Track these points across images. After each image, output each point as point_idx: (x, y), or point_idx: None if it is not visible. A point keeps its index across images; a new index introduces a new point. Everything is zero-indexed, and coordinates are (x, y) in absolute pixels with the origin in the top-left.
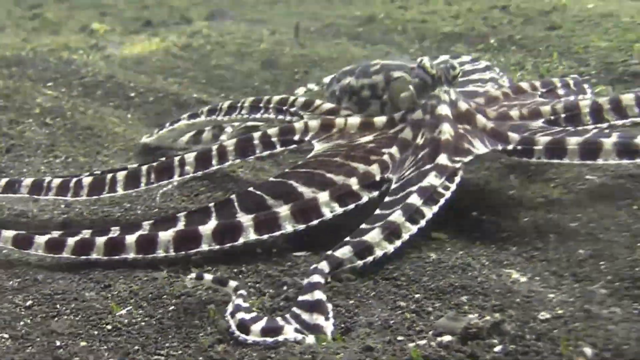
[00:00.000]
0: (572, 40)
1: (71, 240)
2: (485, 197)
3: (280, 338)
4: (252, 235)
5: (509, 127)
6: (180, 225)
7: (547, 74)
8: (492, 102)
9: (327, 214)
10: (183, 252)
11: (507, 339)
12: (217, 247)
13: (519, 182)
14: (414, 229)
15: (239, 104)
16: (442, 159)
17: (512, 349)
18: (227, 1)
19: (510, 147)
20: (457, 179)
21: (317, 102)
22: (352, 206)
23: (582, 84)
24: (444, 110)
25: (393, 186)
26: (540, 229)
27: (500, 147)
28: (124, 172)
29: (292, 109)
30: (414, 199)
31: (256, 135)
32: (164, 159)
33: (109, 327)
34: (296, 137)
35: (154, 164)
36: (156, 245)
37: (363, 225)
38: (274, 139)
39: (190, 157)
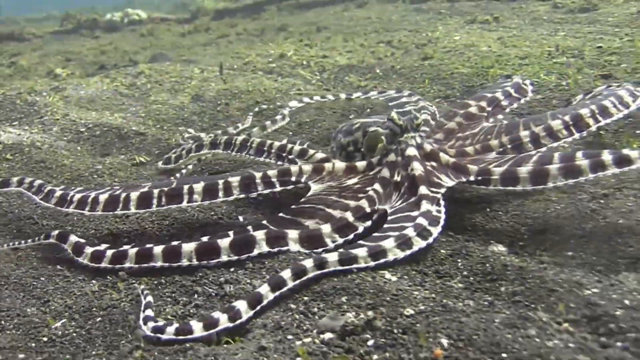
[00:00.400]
0: (441, 67)
1: (109, 252)
2: None
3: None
4: (264, 248)
5: (468, 160)
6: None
7: (422, 97)
8: (450, 134)
9: (330, 243)
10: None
11: (378, 333)
12: (235, 257)
13: None
14: (423, 243)
15: (248, 144)
16: (423, 189)
17: (382, 343)
18: (168, 45)
19: (471, 178)
20: (443, 204)
21: (311, 151)
22: (351, 236)
23: (521, 86)
24: (412, 151)
25: (390, 216)
26: None
27: (463, 179)
28: (137, 193)
29: (290, 156)
30: (421, 221)
31: (257, 175)
32: (174, 186)
33: (45, 339)
34: (293, 179)
35: (165, 189)
36: (180, 256)
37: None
38: (273, 180)
39: (198, 187)
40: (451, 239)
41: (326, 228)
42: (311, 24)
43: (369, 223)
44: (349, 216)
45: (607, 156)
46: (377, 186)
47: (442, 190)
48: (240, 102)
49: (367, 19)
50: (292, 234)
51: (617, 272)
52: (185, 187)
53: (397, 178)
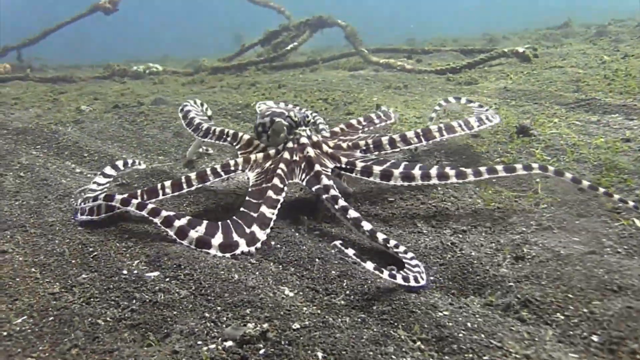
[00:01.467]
0: None
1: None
2: (279, 231)
3: None
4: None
5: (341, 153)
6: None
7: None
8: (334, 135)
9: (272, 216)
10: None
11: (269, 344)
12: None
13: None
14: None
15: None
16: (317, 167)
17: (270, 352)
18: (170, 91)
19: (342, 165)
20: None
21: (240, 134)
22: (278, 207)
23: (388, 112)
24: (304, 140)
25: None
26: (312, 254)
27: (337, 165)
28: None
29: (228, 139)
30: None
31: (208, 170)
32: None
33: (5, 333)
34: (232, 169)
35: (146, 188)
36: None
37: None
38: (219, 171)
39: (167, 183)
40: (342, 261)
41: (264, 208)
42: (275, 82)
43: (283, 195)
44: (272, 194)
45: (433, 171)
46: (282, 165)
47: (329, 171)
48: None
49: (315, 81)
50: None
51: (466, 296)
52: (158, 185)
53: (295, 158)
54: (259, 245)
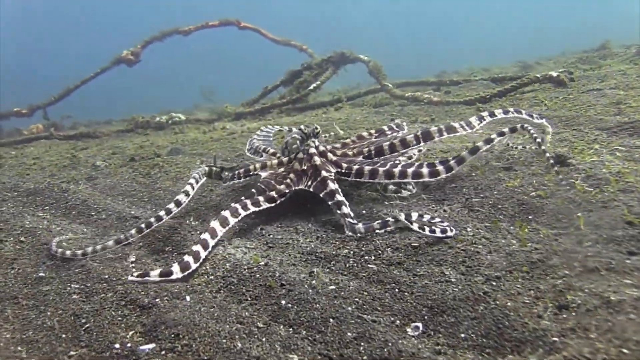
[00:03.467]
0: None
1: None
2: (290, 288)
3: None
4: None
5: (344, 160)
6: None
7: None
8: (344, 146)
9: (264, 205)
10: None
11: None
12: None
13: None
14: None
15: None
16: (324, 173)
17: None
18: (189, 140)
19: (343, 170)
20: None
21: (270, 150)
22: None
23: (400, 124)
24: (312, 150)
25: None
26: (326, 314)
27: (339, 170)
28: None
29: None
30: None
31: (241, 171)
32: None
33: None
34: (251, 173)
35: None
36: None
37: None
38: (241, 173)
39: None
40: (359, 320)
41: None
42: (297, 123)
43: (283, 199)
44: (273, 194)
45: (424, 169)
46: (291, 175)
47: (332, 175)
48: (225, 189)
49: (338, 119)
50: (261, 198)
51: (503, 355)
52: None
53: (304, 167)
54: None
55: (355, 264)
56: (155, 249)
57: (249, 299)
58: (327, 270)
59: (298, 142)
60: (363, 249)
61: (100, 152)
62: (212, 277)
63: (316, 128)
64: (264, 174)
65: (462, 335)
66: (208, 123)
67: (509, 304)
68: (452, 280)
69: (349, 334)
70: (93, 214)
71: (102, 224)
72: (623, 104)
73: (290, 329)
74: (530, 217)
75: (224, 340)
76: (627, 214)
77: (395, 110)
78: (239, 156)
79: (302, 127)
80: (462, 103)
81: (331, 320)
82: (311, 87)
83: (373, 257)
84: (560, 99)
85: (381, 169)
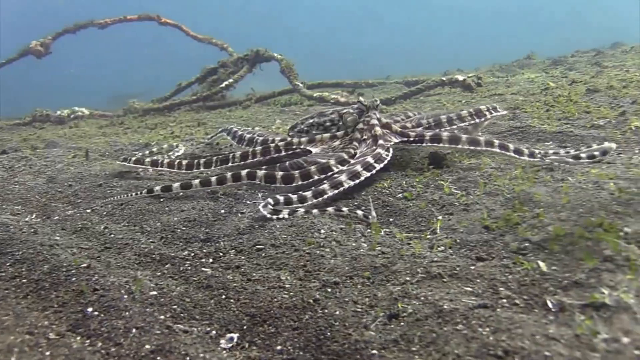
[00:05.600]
0: None
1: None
2: None
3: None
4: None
5: (411, 130)
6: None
7: None
8: (397, 122)
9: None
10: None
11: None
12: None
13: None
14: (367, 173)
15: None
16: (380, 141)
17: None
18: (76, 136)
19: (412, 139)
20: (391, 151)
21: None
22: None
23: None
24: (374, 121)
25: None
26: None
27: (405, 139)
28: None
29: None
30: (369, 159)
31: (272, 145)
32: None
33: None
34: (294, 147)
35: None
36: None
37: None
38: (281, 148)
39: (237, 153)
40: (168, 331)
41: (331, 161)
42: (197, 120)
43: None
44: (332, 162)
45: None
46: (353, 144)
47: (392, 143)
48: (84, 184)
49: (240, 117)
50: (312, 169)
51: None
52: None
53: (364, 137)
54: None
55: (189, 267)
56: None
57: (55, 305)
58: (159, 273)
59: (355, 114)
60: (205, 250)
61: None
62: (24, 280)
63: (376, 100)
64: (314, 150)
65: (279, 347)
66: (114, 118)
67: (337, 312)
68: (286, 286)
69: (147, 346)
70: None
71: None
72: (520, 109)
73: (87, 341)
74: (391, 219)
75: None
76: (486, 217)
77: (300, 110)
78: (118, 151)
79: (361, 98)
80: None
81: (134, 330)
82: (223, 85)
83: (211, 260)
84: (462, 103)
85: (464, 136)
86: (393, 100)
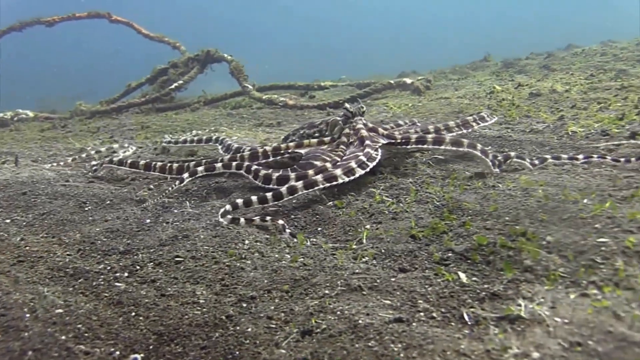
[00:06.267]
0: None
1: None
2: None
3: None
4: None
5: (397, 133)
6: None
7: None
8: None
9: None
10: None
11: None
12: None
13: None
14: (361, 171)
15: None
16: (367, 142)
17: None
18: (10, 140)
19: (399, 140)
20: (380, 152)
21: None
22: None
23: (416, 122)
24: (360, 126)
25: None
26: None
27: (391, 141)
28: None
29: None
30: (362, 157)
31: (260, 150)
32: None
33: None
34: (282, 152)
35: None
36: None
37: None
38: (269, 153)
39: (226, 158)
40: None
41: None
42: (141, 123)
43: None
44: (328, 165)
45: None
46: (341, 146)
47: (379, 144)
48: (8, 192)
49: (186, 120)
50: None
51: None
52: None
53: (351, 141)
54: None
55: (102, 282)
56: None
57: None
58: (70, 289)
59: (341, 122)
60: (122, 263)
61: None
62: None
63: (362, 107)
64: (303, 152)
65: None
66: (61, 120)
67: (249, 329)
68: (201, 301)
69: None
70: None
71: None
72: (463, 113)
73: None
74: (319, 228)
75: None
76: (414, 226)
77: (248, 113)
78: (51, 156)
79: (347, 105)
80: (315, 107)
81: (30, 353)
82: (172, 86)
83: (127, 274)
84: (409, 106)
85: (448, 137)
86: (341, 103)
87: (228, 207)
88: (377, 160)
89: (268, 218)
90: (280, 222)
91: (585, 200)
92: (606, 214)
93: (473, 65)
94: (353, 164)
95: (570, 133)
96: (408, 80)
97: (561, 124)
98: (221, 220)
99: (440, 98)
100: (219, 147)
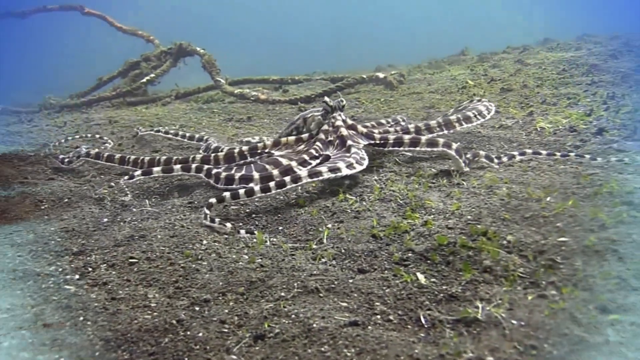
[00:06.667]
0: None
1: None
2: None
3: None
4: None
5: (376, 133)
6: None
7: None
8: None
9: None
10: None
11: None
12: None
13: None
14: (348, 171)
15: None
16: (349, 142)
17: None
18: None
19: (377, 142)
20: (364, 152)
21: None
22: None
23: (405, 120)
24: (339, 122)
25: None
26: None
27: (371, 142)
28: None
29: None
30: (350, 159)
31: (236, 150)
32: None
33: None
34: (259, 151)
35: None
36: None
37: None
38: (246, 153)
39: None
40: None
41: (293, 163)
42: (110, 117)
43: (309, 166)
44: (294, 163)
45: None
46: (317, 144)
47: (361, 146)
48: None
49: (155, 115)
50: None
51: None
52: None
53: (330, 139)
54: None
55: (52, 285)
56: None
57: None
58: (18, 292)
59: (320, 117)
60: (74, 265)
61: None
62: None
63: (342, 101)
64: (277, 153)
65: None
66: (28, 114)
67: (200, 334)
68: (152, 304)
69: None
70: None
71: None
72: (434, 108)
73: None
74: (280, 227)
75: None
76: (376, 225)
77: (219, 107)
78: (11, 152)
79: (326, 99)
80: (287, 102)
81: None
82: (144, 80)
83: (78, 276)
84: (381, 101)
85: (424, 138)
86: (313, 98)
87: (228, 195)
88: (365, 164)
89: (228, 224)
90: (229, 225)
91: (548, 199)
92: (568, 213)
93: (450, 59)
94: (341, 164)
95: (538, 129)
96: (381, 75)
97: (530, 119)
98: (207, 212)
99: (412, 93)
100: (202, 145)
